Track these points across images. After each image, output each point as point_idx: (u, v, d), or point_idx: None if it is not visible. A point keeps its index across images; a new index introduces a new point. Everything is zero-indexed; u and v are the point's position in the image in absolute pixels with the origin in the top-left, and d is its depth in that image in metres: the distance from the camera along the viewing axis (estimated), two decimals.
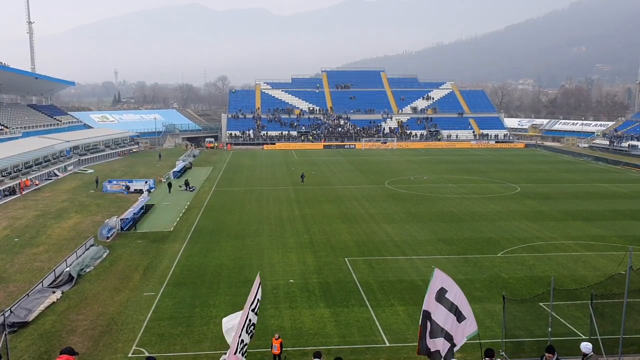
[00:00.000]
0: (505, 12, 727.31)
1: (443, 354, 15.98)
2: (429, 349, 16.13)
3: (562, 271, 31.35)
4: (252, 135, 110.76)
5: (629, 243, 36.01)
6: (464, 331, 16.03)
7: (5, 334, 19.04)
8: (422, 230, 40.71)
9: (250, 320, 15.93)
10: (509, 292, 26.92)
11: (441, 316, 15.98)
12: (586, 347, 15.24)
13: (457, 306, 15.97)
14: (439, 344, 16.02)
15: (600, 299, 22.22)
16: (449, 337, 15.99)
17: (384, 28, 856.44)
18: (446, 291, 16.00)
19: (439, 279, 16.19)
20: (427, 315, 16.09)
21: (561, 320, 23.89)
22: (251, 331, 16.20)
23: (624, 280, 20.56)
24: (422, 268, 31.87)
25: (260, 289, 16.79)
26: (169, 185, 58.64)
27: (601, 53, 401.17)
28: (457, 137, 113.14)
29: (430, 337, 16.05)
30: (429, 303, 16.08)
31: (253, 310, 16.18)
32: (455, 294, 16.07)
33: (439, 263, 32.71)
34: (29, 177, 60.06)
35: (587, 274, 30.69)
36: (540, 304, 25.58)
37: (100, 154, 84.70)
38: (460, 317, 15.95)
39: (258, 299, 16.58)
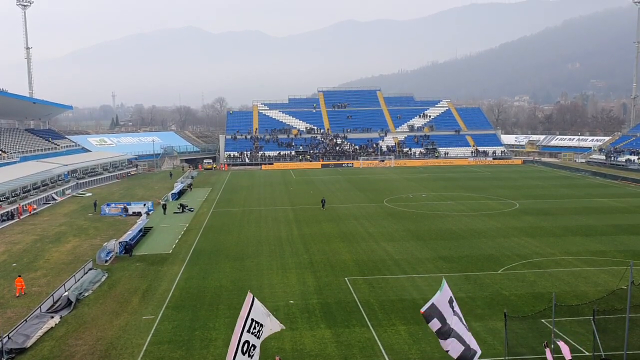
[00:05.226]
0: (499, 30, 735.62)
1: (456, 355, 16.28)
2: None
3: (563, 287, 31.21)
4: (249, 156, 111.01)
5: (630, 258, 35.94)
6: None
7: None
8: (422, 248, 40.59)
9: (248, 342, 15.52)
10: (511, 309, 26.77)
11: (451, 318, 16.36)
12: None
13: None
14: (449, 344, 16.29)
15: (602, 315, 22.11)
16: (461, 339, 16.30)
17: (379, 48, 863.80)
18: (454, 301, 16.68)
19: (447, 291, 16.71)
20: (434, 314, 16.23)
21: (564, 336, 23.69)
22: (252, 354, 15.80)
23: (625, 295, 20.48)
24: (423, 286, 31.70)
25: (253, 308, 15.50)
26: (164, 207, 58.42)
27: (595, 69, 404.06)
28: (454, 155, 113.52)
29: (442, 339, 16.30)
30: (438, 303, 16.30)
31: (249, 332, 15.69)
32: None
33: (439, 281, 32.53)
34: (30, 203, 59.97)
35: (589, 290, 30.56)
36: (542, 320, 25.45)
37: (98, 177, 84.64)
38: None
39: (253, 319, 15.48)
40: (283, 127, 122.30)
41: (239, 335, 14.93)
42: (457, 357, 16.31)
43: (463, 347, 16.34)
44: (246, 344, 15.17)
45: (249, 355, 15.37)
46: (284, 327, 16.49)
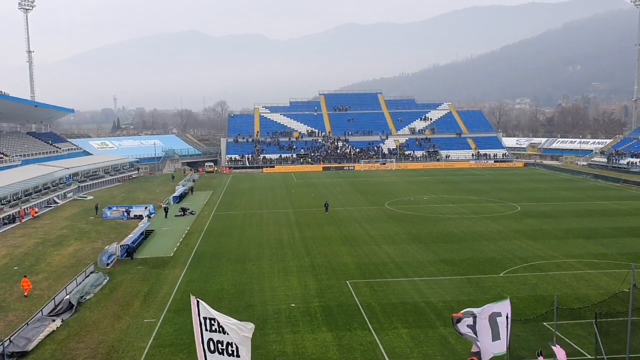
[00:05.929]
0: (500, 32, 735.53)
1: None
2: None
3: (565, 290, 31.15)
4: (251, 159, 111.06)
5: (632, 260, 35.83)
6: (494, 348, 18.44)
7: None
8: (424, 251, 40.56)
9: (212, 340, 15.36)
10: (512, 312, 26.53)
11: (482, 326, 18.62)
12: None
13: (499, 328, 18.38)
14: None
15: (604, 318, 22.07)
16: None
17: (380, 51, 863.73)
18: (499, 314, 18.49)
19: (502, 307, 18.61)
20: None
21: (566, 339, 23.66)
22: (222, 349, 15.50)
23: (627, 298, 20.44)
24: (425, 289, 31.66)
25: (201, 308, 15.60)
26: (165, 210, 58.37)
27: (596, 71, 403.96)
28: (456, 157, 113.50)
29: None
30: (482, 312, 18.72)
31: (208, 330, 15.31)
32: (506, 319, 18.39)
33: (441, 284, 32.56)
34: (32, 206, 60.02)
35: (590, 293, 30.50)
36: (544, 323, 25.40)
37: (99, 181, 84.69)
38: (495, 336, 18.44)
39: (205, 317, 15.51)
40: (284, 130, 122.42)
41: (199, 335, 15.07)
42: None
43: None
44: (211, 342, 15.13)
45: (219, 352, 15.21)
46: (253, 325, 16.24)
